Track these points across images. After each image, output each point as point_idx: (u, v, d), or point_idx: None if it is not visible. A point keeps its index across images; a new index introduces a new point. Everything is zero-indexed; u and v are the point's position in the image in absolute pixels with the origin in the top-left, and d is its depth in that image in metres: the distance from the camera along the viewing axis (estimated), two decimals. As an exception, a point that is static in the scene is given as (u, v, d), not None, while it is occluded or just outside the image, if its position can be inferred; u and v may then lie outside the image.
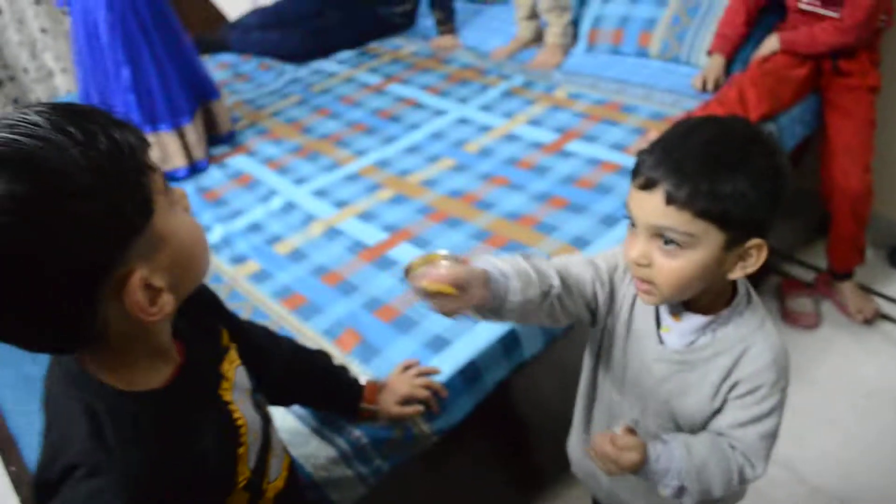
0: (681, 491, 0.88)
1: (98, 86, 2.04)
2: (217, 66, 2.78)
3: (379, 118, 2.19)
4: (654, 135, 1.61)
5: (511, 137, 1.97)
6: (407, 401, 1.18)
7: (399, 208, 1.73)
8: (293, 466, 0.95)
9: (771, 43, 1.98)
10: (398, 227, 1.65)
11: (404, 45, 2.73)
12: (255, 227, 1.74)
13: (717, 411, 0.90)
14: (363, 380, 1.16)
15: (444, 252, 1.48)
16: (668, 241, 0.78)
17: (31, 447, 1.29)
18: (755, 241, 0.80)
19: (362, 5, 2.79)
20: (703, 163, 0.76)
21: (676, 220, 0.76)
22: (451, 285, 0.84)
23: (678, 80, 2.12)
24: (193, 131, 2.05)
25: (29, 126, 0.56)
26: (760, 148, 0.79)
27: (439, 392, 1.22)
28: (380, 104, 2.28)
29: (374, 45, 2.76)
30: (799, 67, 1.91)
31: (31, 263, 0.56)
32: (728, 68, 2.05)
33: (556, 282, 0.90)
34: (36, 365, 1.39)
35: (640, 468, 0.86)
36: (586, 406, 1.08)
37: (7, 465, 1.38)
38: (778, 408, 0.89)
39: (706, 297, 0.86)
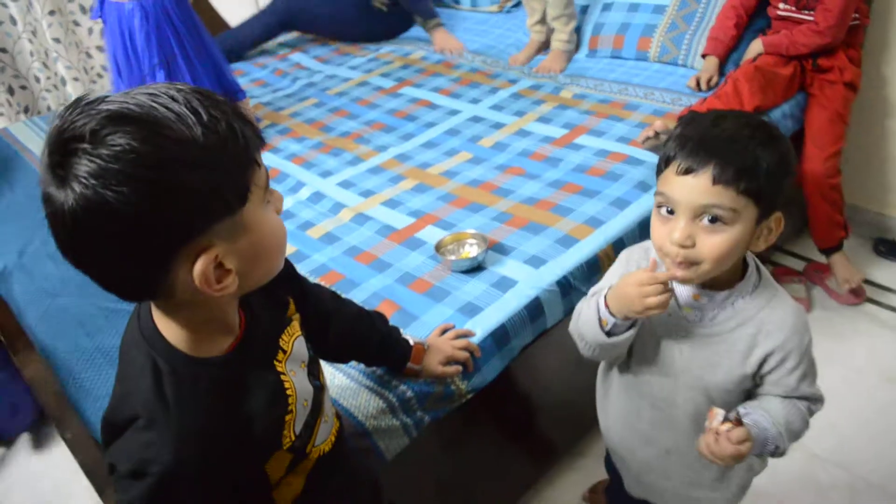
0: (775, 451, 0.98)
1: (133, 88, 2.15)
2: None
3: (395, 117, 2.32)
4: (659, 125, 1.75)
5: (523, 133, 2.10)
6: (448, 361, 1.30)
7: (422, 196, 1.85)
8: (342, 432, 1.01)
9: (755, 46, 2.14)
10: (423, 212, 1.78)
11: (414, 51, 2.87)
12: (286, 215, 1.85)
13: (749, 378, 0.99)
14: (412, 341, 1.28)
15: (471, 231, 1.62)
16: (713, 219, 0.87)
17: (89, 412, 1.38)
18: (777, 214, 0.90)
19: None
20: (741, 146, 0.85)
21: (723, 197, 0.85)
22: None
23: (676, 80, 2.27)
24: None
25: (167, 98, 0.64)
26: (776, 132, 0.89)
27: (475, 352, 1.34)
28: (395, 105, 2.41)
29: (385, 52, 2.90)
30: (784, 67, 2.07)
31: (131, 211, 0.60)
32: (721, 69, 2.20)
33: None
34: (89, 338, 1.51)
35: (755, 451, 0.94)
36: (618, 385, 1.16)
37: (62, 432, 1.48)
38: (813, 361, 1.00)
39: (724, 274, 0.94)
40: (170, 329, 0.75)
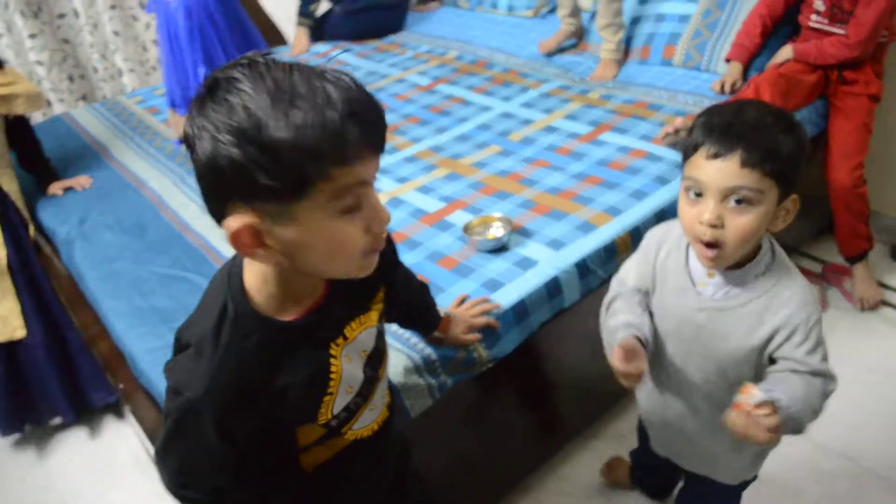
0: (797, 429, 1.01)
1: (179, 81, 2.31)
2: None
3: (431, 112, 2.45)
4: (679, 122, 1.84)
5: (550, 129, 2.21)
6: (469, 330, 1.41)
7: (453, 184, 1.97)
8: (389, 422, 1.04)
9: (785, 52, 2.22)
10: (454, 198, 1.89)
11: (448, 51, 2.99)
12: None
13: (758, 353, 1.05)
14: (442, 312, 1.39)
15: (498, 214, 1.74)
16: (739, 200, 0.94)
17: (143, 363, 1.51)
18: (794, 195, 0.97)
19: None
20: (765, 132, 0.92)
21: (751, 179, 0.92)
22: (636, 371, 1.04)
23: (699, 84, 2.36)
24: None
25: (282, 74, 0.69)
26: (794, 120, 0.97)
27: (494, 325, 1.44)
28: (430, 101, 2.53)
29: (422, 52, 3.03)
30: (809, 74, 2.14)
31: (205, 157, 0.70)
32: (745, 74, 2.29)
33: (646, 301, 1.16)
34: (141, 297, 1.65)
35: (782, 426, 0.97)
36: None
37: (116, 382, 1.62)
38: (822, 337, 1.04)
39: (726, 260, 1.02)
40: (252, 281, 0.81)
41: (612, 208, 1.75)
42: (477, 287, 1.53)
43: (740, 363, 1.08)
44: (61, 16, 3.38)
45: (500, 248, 1.65)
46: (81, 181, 2.22)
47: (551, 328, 1.60)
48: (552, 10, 3.11)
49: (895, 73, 2.32)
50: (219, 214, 0.74)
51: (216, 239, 1.83)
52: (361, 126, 0.70)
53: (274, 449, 0.91)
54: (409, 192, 1.95)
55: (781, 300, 1.02)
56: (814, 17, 2.19)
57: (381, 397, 0.99)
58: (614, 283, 1.23)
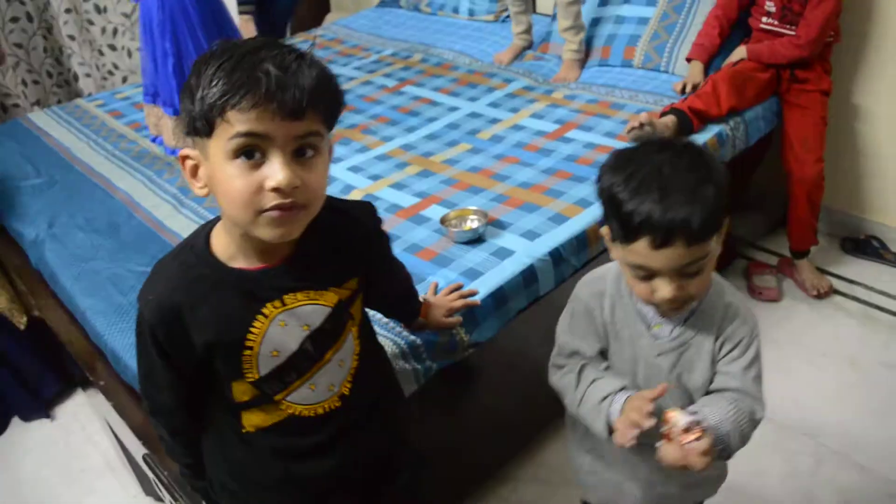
0: (724, 451, 1.00)
1: (151, 71, 2.30)
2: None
3: (399, 113, 2.48)
4: (644, 117, 1.92)
5: (518, 127, 2.27)
6: (449, 314, 1.45)
7: (426, 180, 2.01)
8: (342, 415, 1.03)
9: (739, 52, 2.33)
10: (428, 193, 1.93)
11: (413, 54, 3.04)
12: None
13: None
14: (421, 298, 1.42)
15: (473, 208, 1.78)
16: (693, 268, 0.93)
17: (126, 357, 1.50)
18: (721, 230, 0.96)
19: None
20: (694, 199, 0.89)
21: (700, 251, 0.92)
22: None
23: (659, 84, 2.45)
24: None
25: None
26: (706, 156, 0.94)
27: (473, 304, 1.49)
28: (398, 102, 2.57)
29: (386, 54, 3.07)
30: (763, 72, 2.25)
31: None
32: (705, 73, 2.38)
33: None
34: (122, 295, 1.65)
35: (717, 455, 0.97)
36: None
37: (96, 380, 1.61)
38: (759, 354, 1.04)
39: None
40: (217, 230, 0.94)
41: (583, 200, 1.81)
42: (456, 276, 1.57)
43: (705, 386, 1.07)
44: (14, 19, 3.31)
45: (476, 240, 1.70)
46: None
47: (528, 316, 1.65)
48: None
49: (839, 73, 2.46)
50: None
51: (192, 236, 1.83)
52: (271, 83, 0.79)
53: (213, 394, 1.00)
54: (383, 189, 1.98)
55: (729, 314, 1.03)
56: (765, 18, 2.31)
57: (327, 381, 1.00)
58: (560, 358, 1.18)
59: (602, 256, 1.78)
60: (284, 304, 0.93)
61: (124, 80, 3.64)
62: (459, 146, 2.20)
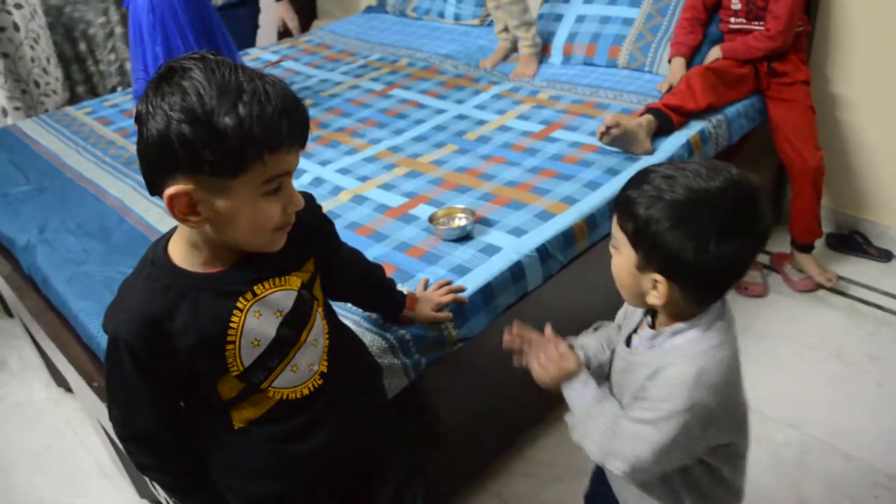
0: (573, 428, 1.04)
1: (138, 74, 2.32)
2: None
3: (387, 116, 2.51)
4: (609, 119, 1.96)
5: (504, 128, 2.30)
6: (438, 308, 1.48)
7: (414, 181, 2.03)
8: (328, 389, 1.08)
9: (714, 53, 2.37)
10: (416, 193, 1.96)
11: (400, 58, 3.07)
12: (290, 196, 2.02)
13: None
14: (406, 291, 1.45)
15: (461, 206, 1.80)
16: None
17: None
18: (656, 275, 0.91)
19: None
20: (639, 188, 0.91)
21: (614, 224, 0.96)
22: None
23: (643, 84, 2.49)
24: None
25: (232, 71, 0.84)
26: (710, 214, 0.87)
27: (461, 300, 1.52)
28: (386, 105, 2.59)
29: (373, 59, 3.10)
30: (739, 68, 2.30)
31: (155, 134, 0.83)
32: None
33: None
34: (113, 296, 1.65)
35: (564, 381, 1.05)
36: None
37: (90, 381, 1.62)
38: (662, 423, 0.92)
39: (662, 314, 0.99)
40: (175, 242, 0.97)
41: (569, 198, 1.84)
42: (445, 273, 1.60)
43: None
44: (1, 29, 3.32)
45: (464, 237, 1.72)
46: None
47: (516, 311, 1.67)
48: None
49: (818, 64, 2.50)
50: (159, 184, 0.87)
51: (183, 239, 1.85)
52: (292, 121, 0.85)
53: (199, 400, 1.03)
54: (371, 190, 2.01)
55: (664, 374, 0.94)
56: (733, 18, 2.36)
57: (307, 361, 1.04)
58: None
59: (588, 252, 1.81)
60: (255, 295, 0.97)
61: (112, 89, 3.65)
62: (447, 147, 2.22)
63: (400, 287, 1.45)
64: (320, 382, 1.07)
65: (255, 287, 0.97)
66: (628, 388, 1.02)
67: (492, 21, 3.25)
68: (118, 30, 3.70)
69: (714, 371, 0.93)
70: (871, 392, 2.06)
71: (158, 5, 2.23)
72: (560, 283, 1.76)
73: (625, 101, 2.40)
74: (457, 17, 3.38)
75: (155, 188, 0.88)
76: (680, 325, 0.97)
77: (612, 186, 1.89)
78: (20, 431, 2.28)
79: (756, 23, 2.28)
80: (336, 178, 2.10)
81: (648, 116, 2.09)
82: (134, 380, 0.96)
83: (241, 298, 0.96)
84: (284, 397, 1.04)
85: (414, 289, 1.54)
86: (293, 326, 1.02)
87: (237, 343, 0.97)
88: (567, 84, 2.60)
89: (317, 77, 2.98)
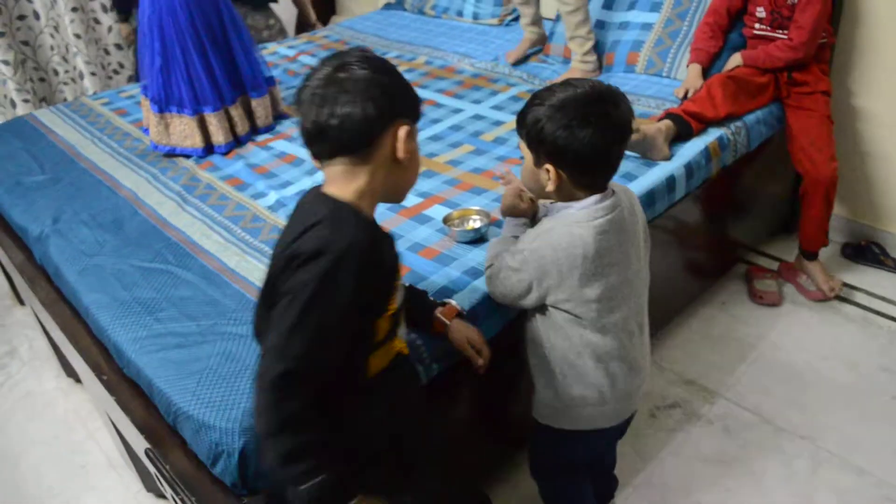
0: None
1: (147, 66, 2.33)
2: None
3: (402, 114, 2.49)
4: (641, 123, 1.93)
5: (521, 130, 2.28)
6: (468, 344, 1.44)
7: (430, 181, 2.02)
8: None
9: (734, 60, 2.35)
10: (431, 193, 1.95)
11: (417, 56, 3.06)
12: (304, 194, 2.01)
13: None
14: (453, 303, 1.48)
15: (476, 208, 1.78)
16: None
17: (129, 351, 1.51)
18: (547, 165, 1.23)
19: None
20: (529, 104, 1.25)
21: (519, 141, 1.29)
22: None
23: (661, 89, 2.47)
24: (216, 119, 2.31)
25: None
26: (574, 107, 1.19)
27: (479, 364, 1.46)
28: (402, 103, 2.58)
29: (390, 56, 3.09)
30: (759, 76, 2.27)
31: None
32: (704, 76, 2.40)
33: None
34: (125, 289, 1.66)
35: (509, 214, 1.48)
36: None
37: (100, 374, 1.62)
38: (517, 254, 1.32)
39: (559, 200, 1.31)
40: (345, 195, 1.06)
41: (585, 202, 1.82)
42: (458, 275, 1.58)
43: None
44: (21, 17, 3.34)
45: (478, 240, 1.70)
46: None
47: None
48: (516, 19, 3.21)
49: (839, 76, 2.47)
50: (383, 126, 1.05)
51: (197, 234, 1.85)
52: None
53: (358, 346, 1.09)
54: (386, 189, 1.99)
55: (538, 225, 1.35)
56: (757, 25, 2.33)
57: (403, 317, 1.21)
58: None
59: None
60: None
61: (129, 79, 3.66)
62: (463, 147, 2.21)
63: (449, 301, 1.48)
64: (406, 351, 1.23)
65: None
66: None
67: (510, 21, 3.24)
68: None
69: (560, 234, 1.26)
70: (885, 405, 2.04)
71: (157, 2, 2.23)
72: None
73: (642, 105, 2.38)
74: (475, 16, 3.37)
75: (367, 138, 1.04)
76: (565, 203, 1.29)
77: (629, 192, 1.87)
78: (29, 421, 2.28)
79: (780, 31, 2.25)
80: (351, 175, 2.09)
81: (668, 122, 2.07)
82: (341, 310, 0.99)
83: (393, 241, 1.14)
84: (399, 350, 1.18)
85: (432, 293, 1.53)
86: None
87: (398, 281, 1.13)
88: (585, 86, 2.58)
89: (333, 73, 2.97)
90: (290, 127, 2.48)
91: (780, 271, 2.55)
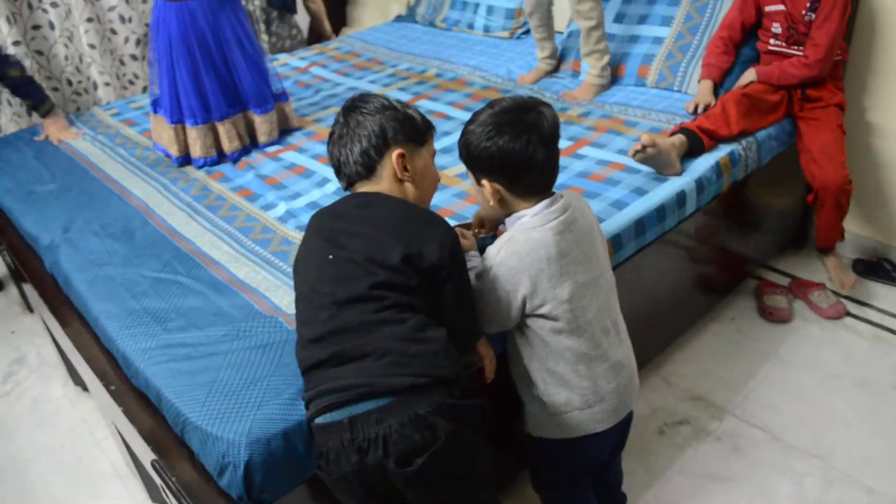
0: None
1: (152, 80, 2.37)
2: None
3: (412, 126, 2.50)
4: (646, 139, 1.93)
5: (530, 143, 2.28)
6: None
7: (439, 193, 2.00)
8: None
9: (748, 75, 2.34)
10: (440, 206, 1.94)
11: (428, 69, 3.07)
12: (314, 205, 2.01)
13: None
14: None
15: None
16: None
17: (138, 361, 1.51)
18: (484, 181, 1.34)
19: None
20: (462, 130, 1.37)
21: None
22: None
23: (672, 103, 2.47)
24: (196, 133, 2.31)
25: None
26: (492, 119, 1.30)
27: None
28: (412, 115, 2.59)
29: (402, 69, 3.10)
30: (773, 94, 2.26)
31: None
32: (716, 92, 2.39)
33: None
34: (134, 299, 1.66)
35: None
36: None
37: (107, 385, 1.62)
38: (483, 275, 1.35)
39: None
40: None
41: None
42: (468, 289, 1.58)
43: None
44: (36, 27, 3.36)
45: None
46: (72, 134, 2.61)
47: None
48: (527, 32, 3.22)
49: (853, 92, 2.46)
50: (379, 154, 1.33)
51: (206, 244, 1.85)
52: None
53: None
54: (395, 201, 1.99)
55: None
56: (772, 40, 2.32)
57: None
58: None
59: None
60: None
61: (144, 89, 3.68)
62: (472, 160, 2.20)
63: None
64: None
65: None
66: None
67: (521, 34, 3.25)
68: None
69: (520, 241, 1.32)
70: (897, 424, 2.02)
71: (155, 12, 2.26)
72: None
73: (653, 119, 2.37)
74: (486, 29, 3.38)
75: (376, 157, 1.33)
76: (515, 214, 1.37)
77: (639, 207, 1.86)
78: (37, 428, 2.29)
79: (795, 47, 2.25)
80: (360, 187, 2.09)
81: (681, 137, 2.06)
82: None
83: None
84: None
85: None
86: None
87: None
88: (596, 101, 2.58)
89: (345, 85, 2.98)
90: (300, 138, 2.49)
91: (791, 288, 2.54)
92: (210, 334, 1.52)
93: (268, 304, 1.60)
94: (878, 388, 2.14)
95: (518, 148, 1.27)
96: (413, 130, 1.34)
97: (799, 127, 2.32)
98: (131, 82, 3.65)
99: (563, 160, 2.10)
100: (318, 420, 1.17)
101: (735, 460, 1.95)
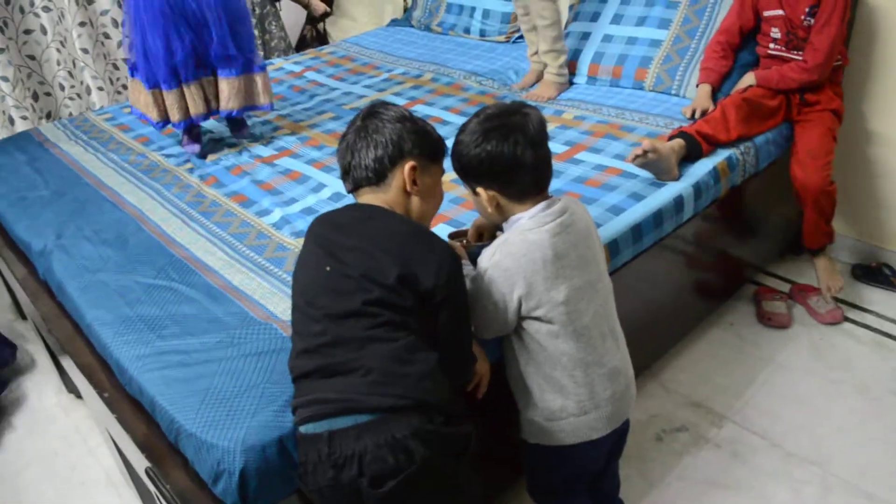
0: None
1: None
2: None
3: (408, 131, 2.48)
4: (647, 144, 1.92)
5: (527, 148, 2.27)
6: None
7: (435, 198, 2.00)
8: None
9: (747, 79, 2.33)
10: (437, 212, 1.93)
11: (423, 73, 3.05)
12: (309, 210, 2.00)
13: None
14: None
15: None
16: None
17: (132, 369, 1.49)
18: (479, 189, 1.35)
19: None
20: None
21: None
22: None
23: (669, 107, 2.46)
24: (171, 97, 2.29)
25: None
26: (478, 127, 1.31)
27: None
28: (408, 120, 2.57)
29: (397, 73, 3.09)
30: (771, 99, 2.26)
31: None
32: (714, 96, 2.39)
33: None
34: (128, 306, 1.64)
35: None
36: None
37: (101, 392, 1.60)
38: (478, 279, 1.34)
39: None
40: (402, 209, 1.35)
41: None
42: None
43: None
44: (28, 31, 3.34)
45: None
46: None
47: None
48: (522, 36, 3.20)
49: (852, 99, 2.46)
50: (392, 162, 1.32)
51: (200, 251, 1.83)
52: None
53: None
54: (391, 206, 1.98)
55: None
56: (771, 45, 2.32)
57: None
58: None
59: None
60: None
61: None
62: (469, 165, 2.19)
63: None
64: None
65: None
66: None
67: (517, 38, 3.24)
68: None
69: (515, 242, 1.32)
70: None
71: None
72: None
73: (650, 124, 2.36)
74: (482, 34, 3.37)
75: (390, 164, 1.31)
76: (513, 218, 1.36)
77: (636, 212, 1.85)
78: (29, 436, 2.26)
79: (795, 52, 2.24)
80: (356, 193, 2.08)
81: (680, 141, 2.05)
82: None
83: None
84: None
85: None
86: None
87: None
88: (592, 104, 2.57)
89: (340, 90, 2.97)
90: (295, 143, 2.47)
91: (792, 293, 2.53)
92: (204, 341, 1.50)
93: (263, 311, 1.59)
94: (878, 394, 2.13)
95: (506, 150, 1.28)
96: (429, 146, 1.34)
97: (795, 131, 2.31)
98: (124, 86, 3.64)
99: (559, 165, 2.11)
100: (302, 429, 1.17)
101: (734, 467, 1.94)
